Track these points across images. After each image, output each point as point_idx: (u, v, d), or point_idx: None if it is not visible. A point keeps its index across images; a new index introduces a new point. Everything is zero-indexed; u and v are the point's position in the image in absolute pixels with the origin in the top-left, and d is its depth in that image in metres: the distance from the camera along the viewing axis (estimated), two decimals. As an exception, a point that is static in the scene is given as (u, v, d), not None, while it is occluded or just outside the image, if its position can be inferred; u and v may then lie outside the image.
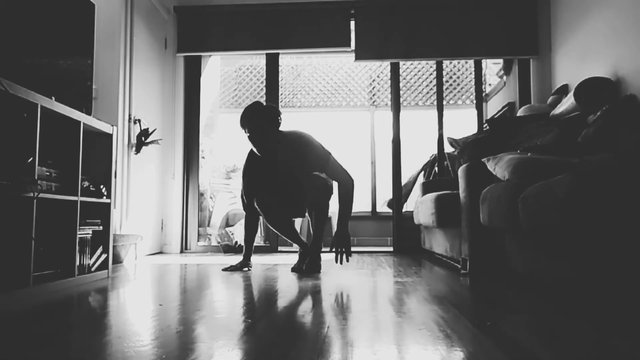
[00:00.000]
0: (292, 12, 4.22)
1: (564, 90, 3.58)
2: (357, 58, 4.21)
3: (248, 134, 2.63)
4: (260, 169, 2.76)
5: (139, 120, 3.67)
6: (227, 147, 5.86)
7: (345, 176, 2.65)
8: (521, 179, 2.04)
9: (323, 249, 2.85)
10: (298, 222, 4.91)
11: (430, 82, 6.05)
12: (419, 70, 6.13)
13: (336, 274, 2.56)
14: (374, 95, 6.10)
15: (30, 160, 1.82)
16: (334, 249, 2.57)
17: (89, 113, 2.32)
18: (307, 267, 2.62)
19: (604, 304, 1.58)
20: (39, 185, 1.85)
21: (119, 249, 3.11)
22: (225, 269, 2.76)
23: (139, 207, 3.68)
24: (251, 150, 2.77)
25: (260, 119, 2.60)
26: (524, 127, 3.05)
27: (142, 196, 3.75)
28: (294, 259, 3.54)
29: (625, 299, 1.53)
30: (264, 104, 2.70)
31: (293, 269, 2.71)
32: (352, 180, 2.66)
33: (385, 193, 5.22)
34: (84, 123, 2.22)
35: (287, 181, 2.73)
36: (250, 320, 1.44)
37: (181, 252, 4.21)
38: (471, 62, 5.48)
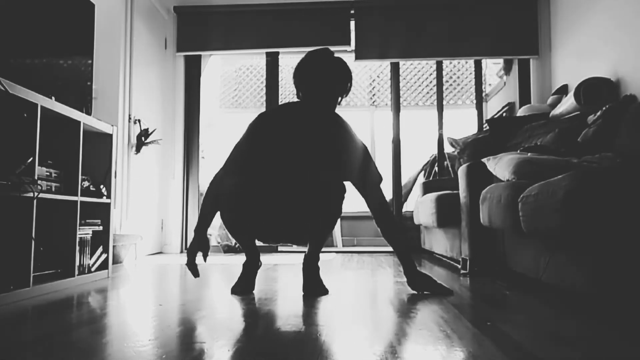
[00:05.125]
0: (292, 12, 4.22)
1: (564, 90, 3.58)
2: (357, 58, 4.20)
3: (302, 92, 1.89)
4: (276, 144, 1.88)
5: (139, 120, 3.66)
6: (227, 147, 5.86)
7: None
8: (521, 179, 2.03)
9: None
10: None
11: (430, 82, 6.05)
12: (419, 71, 6.13)
13: (336, 274, 2.56)
14: (374, 95, 6.10)
15: (30, 160, 1.82)
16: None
17: (89, 113, 2.32)
18: (309, 291, 1.91)
19: (604, 304, 1.58)
20: (39, 185, 1.85)
21: (119, 249, 3.11)
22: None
23: (139, 207, 3.68)
24: (269, 114, 1.97)
25: (334, 75, 1.86)
26: (524, 127, 3.05)
27: (142, 196, 3.75)
28: (294, 259, 3.54)
29: (625, 299, 1.53)
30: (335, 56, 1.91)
31: (235, 290, 1.94)
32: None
33: (385, 193, 5.21)
34: (84, 123, 2.22)
35: (301, 181, 1.88)
36: (250, 320, 1.44)
37: (181, 252, 4.20)
38: (471, 62, 5.48)
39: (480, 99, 4.54)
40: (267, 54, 4.35)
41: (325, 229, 1.92)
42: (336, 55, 1.90)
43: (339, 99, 1.91)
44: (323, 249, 2.25)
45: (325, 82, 1.85)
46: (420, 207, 3.61)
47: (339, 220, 2.04)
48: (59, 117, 2.07)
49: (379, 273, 2.63)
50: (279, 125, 1.89)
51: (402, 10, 4.15)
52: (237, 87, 6.38)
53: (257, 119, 1.92)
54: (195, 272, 1.80)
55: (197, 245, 1.81)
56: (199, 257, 1.83)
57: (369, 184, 1.96)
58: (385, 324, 1.39)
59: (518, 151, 2.49)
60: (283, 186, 1.88)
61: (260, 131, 1.89)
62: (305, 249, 1.98)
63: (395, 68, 4.34)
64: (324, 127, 1.91)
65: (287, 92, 6.13)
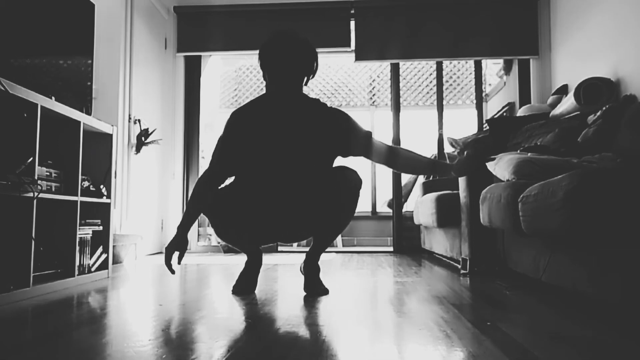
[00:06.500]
0: (292, 12, 4.22)
1: (564, 90, 3.58)
2: (357, 58, 4.21)
3: (268, 76, 1.86)
4: (257, 137, 1.85)
5: (139, 120, 3.66)
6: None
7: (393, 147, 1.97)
8: (521, 179, 2.03)
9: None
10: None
11: (430, 82, 6.04)
12: (419, 70, 6.13)
13: (336, 274, 2.56)
14: (374, 95, 6.10)
15: (30, 160, 1.82)
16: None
17: (89, 113, 2.32)
18: (310, 290, 1.91)
19: (604, 304, 1.58)
20: (39, 185, 1.85)
21: (119, 249, 3.11)
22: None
23: (139, 207, 3.68)
24: (242, 109, 1.91)
25: (297, 54, 1.83)
26: (524, 127, 3.05)
27: (142, 196, 3.75)
28: (294, 259, 3.54)
29: (625, 298, 1.53)
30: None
31: (235, 290, 1.95)
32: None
33: (385, 193, 5.22)
34: (84, 123, 2.22)
35: (292, 171, 1.85)
36: (250, 321, 1.44)
37: (181, 252, 4.20)
38: (471, 62, 5.48)
39: (480, 99, 4.54)
40: (267, 54, 4.34)
41: (334, 223, 1.88)
42: (303, 37, 1.86)
43: (305, 79, 1.88)
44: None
45: (288, 61, 1.82)
46: (420, 207, 3.61)
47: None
48: (59, 117, 2.07)
49: (379, 273, 2.63)
50: (255, 117, 1.87)
51: (402, 11, 4.15)
52: (237, 87, 6.38)
53: (231, 115, 1.90)
54: (172, 270, 1.78)
55: (176, 245, 1.80)
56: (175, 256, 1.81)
57: (367, 145, 1.91)
58: (385, 324, 1.39)
59: (518, 151, 2.49)
60: (275, 182, 1.85)
61: (238, 126, 1.87)
62: (307, 247, 1.97)
63: (395, 68, 4.34)
64: (300, 110, 1.88)
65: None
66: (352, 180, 1.83)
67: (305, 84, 1.90)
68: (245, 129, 1.86)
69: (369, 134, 1.92)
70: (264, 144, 1.84)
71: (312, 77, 1.91)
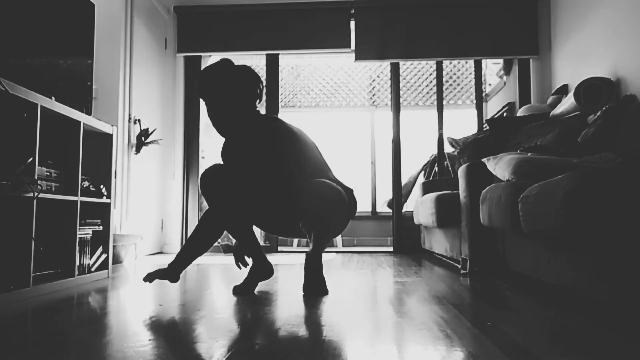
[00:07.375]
0: (292, 12, 4.22)
1: (564, 90, 3.58)
2: (357, 58, 4.21)
3: (207, 107, 1.89)
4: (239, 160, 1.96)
5: (139, 120, 3.66)
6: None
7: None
8: (521, 179, 2.03)
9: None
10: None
11: (430, 82, 6.04)
12: (419, 70, 6.12)
13: (336, 274, 2.56)
14: (374, 95, 6.10)
15: (30, 160, 1.82)
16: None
17: (89, 113, 2.32)
18: (308, 291, 1.88)
19: (605, 305, 1.58)
20: (39, 185, 1.85)
21: (119, 249, 3.11)
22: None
23: (139, 207, 3.68)
24: (225, 144, 2.03)
25: (225, 83, 1.84)
26: (524, 127, 3.05)
27: (142, 196, 3.75)
28: (294, 259, 3.54)
29: (626, 299, 1.53)
30: (237, 64, 1.92)
31: (236, 291, 1.98)
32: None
33: (385, 193, 5.22)
34: (84, 123, 2.22)
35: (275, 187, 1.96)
36: (250, 320, 1.44)
37: (181, 252, 4.20)
38: (471, 62, 5.47)
39: (480, 99, 4.54)
40: (267, 55, 4.34)
41: (324, 233, 1.92)
42: (236, 66, 1.89)
43: (249, 104, 1.91)
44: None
45: (218, 96, 1.86)
46: (420, 207, 3.61)
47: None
48: (59, 117, 2.07)
49: (379, 273, 2.63)
50: (232, 154, 1.98)
51: (402, 10, 4.15)
52: (237, 87, 6.36)
53: (221, 149, 2.02)
54: (245, 264, 2.09)
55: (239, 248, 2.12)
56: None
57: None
58: (385, 324, 1.39)
59: (518, 151, 2.49)
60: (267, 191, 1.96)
61: (228, 156, 1.99)
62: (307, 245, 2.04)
63: (395, 68, 4.34)
64: (250, 135, 1.93)
65: (287, 92, 6.13)
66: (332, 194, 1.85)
67: (253, 107, 1.92)
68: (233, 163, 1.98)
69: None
70: (247, 168, 1.94)
71: (259, 101, 1.93)
